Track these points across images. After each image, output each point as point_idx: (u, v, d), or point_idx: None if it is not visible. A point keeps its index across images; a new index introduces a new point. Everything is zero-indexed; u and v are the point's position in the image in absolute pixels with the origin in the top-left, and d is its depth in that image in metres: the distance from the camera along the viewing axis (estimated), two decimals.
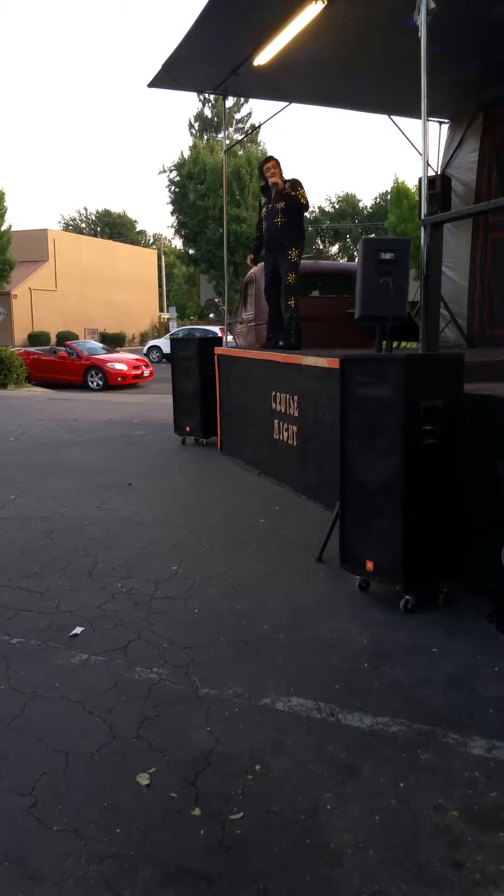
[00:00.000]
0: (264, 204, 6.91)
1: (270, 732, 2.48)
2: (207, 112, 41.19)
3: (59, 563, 4.22)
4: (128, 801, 2.13)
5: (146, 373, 17.86)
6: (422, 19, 4.29)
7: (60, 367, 17.47)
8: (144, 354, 26.02)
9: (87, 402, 13.85)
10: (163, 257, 49.19)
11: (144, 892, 1.80)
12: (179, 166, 33.44)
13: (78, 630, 3.30)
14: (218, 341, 8.65)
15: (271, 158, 6.84)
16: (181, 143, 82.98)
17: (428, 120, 4.50)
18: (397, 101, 7.83)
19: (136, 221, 62.56)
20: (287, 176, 6.77)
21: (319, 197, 55.33)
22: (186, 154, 33.79)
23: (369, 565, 3.58)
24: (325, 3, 5.37)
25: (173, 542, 4.59)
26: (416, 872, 1.85)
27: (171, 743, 2.42)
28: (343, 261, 43.96)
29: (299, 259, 6.80)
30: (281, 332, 6.92)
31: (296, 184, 6.69)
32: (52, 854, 1.93)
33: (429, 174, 4.95)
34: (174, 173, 33.80)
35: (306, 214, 7.14)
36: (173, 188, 33.78)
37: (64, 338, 29.38)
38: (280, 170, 6.76)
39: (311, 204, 7.18)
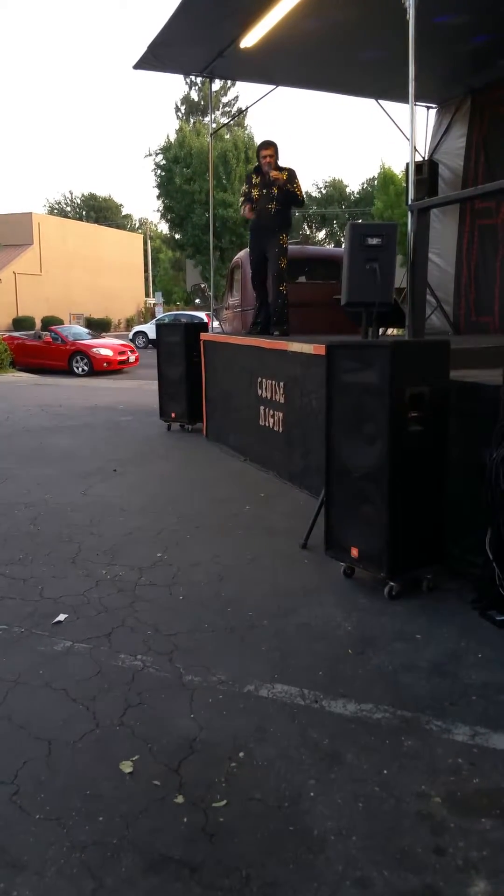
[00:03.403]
0: (258, 184, 6.74)
1: (254, 719, 2.48)
2: (194, 95, 40.79)
3: (42, 550, 4.19)
4: (111, 789, 2.12)
5: (132, 358, 17.75)
6: (410, 2, 4.24)
7: (45, 352, 17.32)
8: (130, 340, 25.87)
9: (73, 387, 13.75)
10: (149, 242, 48.77)
11: (127, 880, 1.79)
12: (165, 150, 33.06)
13: (62, 617, 3.27)
14: (204, 327, 8.59)
15: (270, 145, 6.70)
16: (167, 127, 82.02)
17: (415, 105, 4.46)
18: (385, 86, 7.76)
19: (121, 205, 61.86)
20: (281, 163, 6.68)
21: (307, 182, 55.05)
22: (173, 137, 33.41)
23: (354, 552, 3.58)
24: None
25: (158, 529, 4.57)
26: (399, 858, 1.86)
27: (155, 730, 2.41)
28: (330, 246, 43.85)
29: (287, 245, 6.77)
30: (271, 318, 6.85)
31: (292, 176, 6.59)
32: (34, 842, 1.91)
33: (416, 159, 4.91)
34: (160, 157, 33.43)
35: None
36: (159, 172, 33.42)
37: (49, 323, 29.11)
38: (277, 158, 6.66)
39: (304, 199, 7.04)
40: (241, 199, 7.05)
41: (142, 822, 1.99)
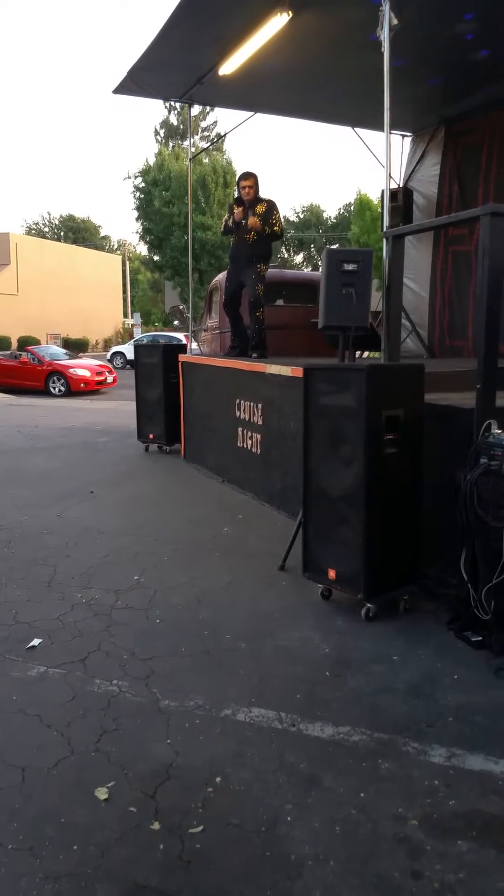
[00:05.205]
0: (238, 217, 6.67)
1: (231, 744, 2.46)
2: (173, 119, 41.19)
3: (17, 574, 4.14)
4: (85, 817, 2.09)
5: (109, 379, 17.70)
6: (385, 35, 4.36)
7: (22, 372, 17.20)
8: (108, 360, 25.82)
9: (49, 408, 13.67)
10: (127, 263, 48.92)
11: None
12: (145, 173, 33.32)
13: (36, 642, 3.23)
14: (182, 348, 8.63)
15: (250, 176, 6.67)
16: (146, 150, 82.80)
17: (391, 133, 4.57)
18: (361, 114, 7.94)
19: (100, 227, 62.09)
20: (262, 192, 6.67)
21: (284, 207, 55.76)
22: (152, 161, 33.70)
23: (331, 574, 3.59)
24: (291, 15, 5.42)
25: (135, 552, 4.55)
26: (376, 883, 1.85)
27: (131, 756, 2.38)
28: (307, 270, 44.32)
29: (265, 273, 6.77)
30: (249, 344, 6.86)
31: (271, 209, 6.57)
32: (5, 874, 1.87)
33: (391, 187, 5.01)
34: (139, 180, 33.68)
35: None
36: (138, 194, 33.65)
37: (26, 343, 28.94)
38: (257, 188, 6.65)
39: (284, 230, 6.91)
40: (223, 221, 7.05)
41: (117, 851, 1.96)
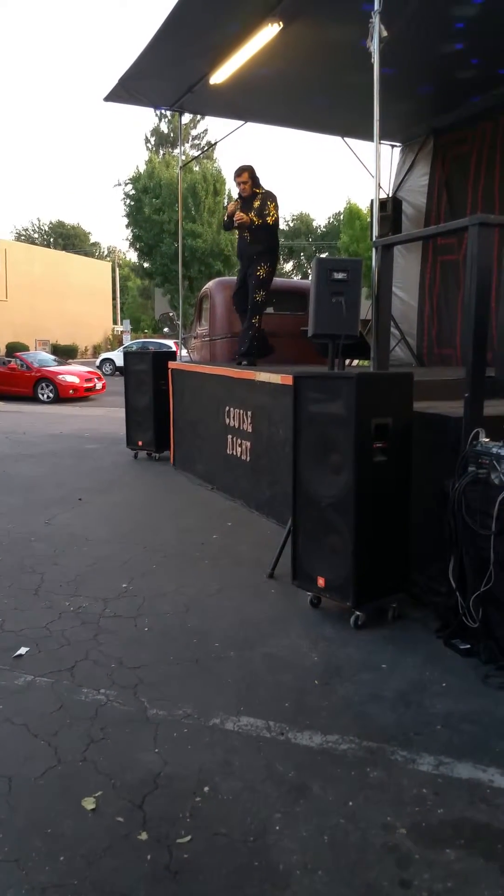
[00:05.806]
0: (231, 210, 6.49)
1: (220, 753, 2.45)
2: (164, 127, 41.30)
3: (3, 581, 4.11)
4: (72, 827, 2.07)
5: (98, 386, 17.65)
6: (374, 46, 4.39)
7: (10, 378, 17.12)
8: (97, 367, 25.73)
9: (38, 414, 13.62)
10: (117, 270, 48.91)
11: None
12: (135, 180, 33.37)
13: (23, 650, 3.21)
14: (172, 355, 8.64)
15: (243, 171, 6.46)
16: (137, 157, 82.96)
17: (380, 143, 4.60)
18: (351, 124, 8.00)
19: (90, 233, 62.11)
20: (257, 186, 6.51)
21: None
22: (142, 168, 33.76)
23: (320, 581, 3.59)
24: (282, 25, 5.46)
25: (124, 559, 4.53)
26: (364, 892, 1.85)
27: (119, 766, 2.37)
28: (297, 278, 44.47)
29: (269, 275, 6.51)
30: (239, 348, 6.81)
31: (265, 200, 6.36)
32: None
33: (380, 196, 5.05)
34: (129, 187, 33.73)
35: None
36: (128, 202, 33.69)
37: (14, 349, 28.80)
38: (253, 182, 6.45)
39: (278, 221, 6.54)
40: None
41: (104, 862, 1.94)
